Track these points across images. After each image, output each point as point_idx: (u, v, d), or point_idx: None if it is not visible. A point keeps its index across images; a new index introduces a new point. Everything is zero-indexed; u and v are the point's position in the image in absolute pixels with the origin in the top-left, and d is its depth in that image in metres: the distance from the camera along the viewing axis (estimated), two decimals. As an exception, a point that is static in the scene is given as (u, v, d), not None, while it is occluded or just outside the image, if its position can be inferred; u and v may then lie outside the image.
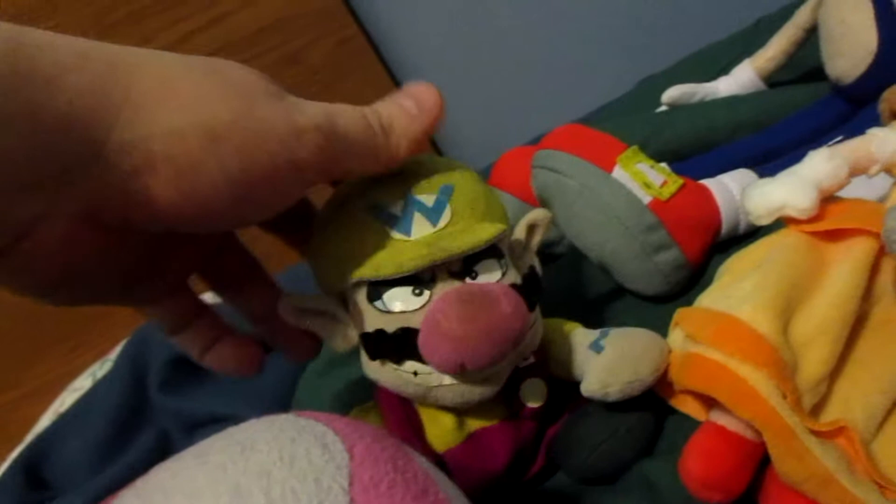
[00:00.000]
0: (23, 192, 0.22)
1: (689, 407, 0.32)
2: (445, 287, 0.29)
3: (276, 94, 0.26)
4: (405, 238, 0.29)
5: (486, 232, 0.30)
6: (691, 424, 0.31)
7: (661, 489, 0.31)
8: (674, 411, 0.34)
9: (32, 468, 0.59)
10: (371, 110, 0.29)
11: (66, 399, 0.72)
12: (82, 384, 0.71)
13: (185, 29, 0.86)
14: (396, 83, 1.11)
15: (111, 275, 0.27)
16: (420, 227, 0.30)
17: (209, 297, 0.73)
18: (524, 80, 1.05)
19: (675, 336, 0.32)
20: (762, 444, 0.28)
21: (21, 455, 0.60)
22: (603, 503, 0.33)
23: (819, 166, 0.31)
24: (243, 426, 0.22)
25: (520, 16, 1.00)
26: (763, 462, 0.29)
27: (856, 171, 0.32)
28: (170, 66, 0.25)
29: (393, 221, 0.30)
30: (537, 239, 0.34)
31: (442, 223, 0.30)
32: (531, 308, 0.31)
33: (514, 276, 0.31)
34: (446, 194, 0.30)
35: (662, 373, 0.31)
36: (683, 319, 0.31)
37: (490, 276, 0.30)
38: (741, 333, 0.28)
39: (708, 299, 0.31)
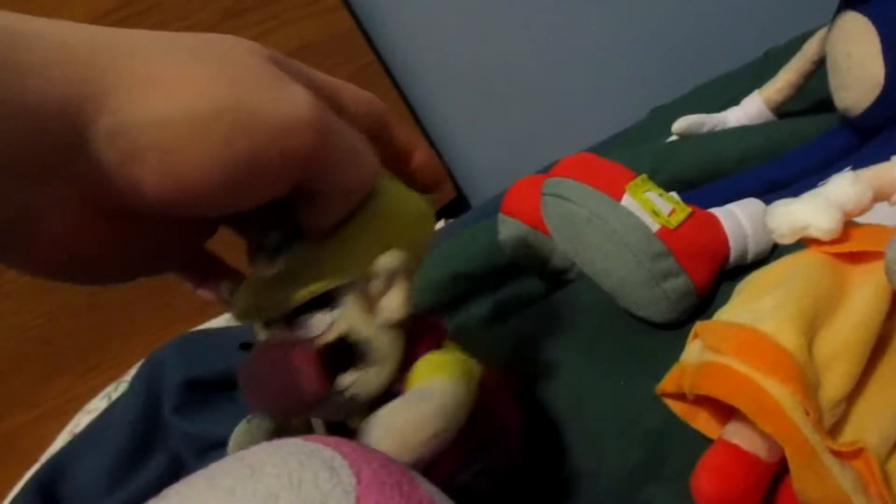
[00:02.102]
0: (11, 179, 0.22)
1: (699, 422, 0.32)
2: (269, 333, 0.30)
3: (270, 75, 0.26)
4: (252, 274, 0.30)
5: (306, 291, 0.29)
6: (697, 450, 0.31)
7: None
8: (681, 436, 0.34)
9: (47, 489, 0.60)
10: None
11: (81, 420, 0.72)
12: (97, 405, 0.72)
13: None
14: (411, 109, 1.12)
15: (122, 257, 0.27)
16: (262, 267, 0.30)
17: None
18: (537, 110, 1.06)
19: (693, 348, 0.32)
20: (775, 464, 0.28)
21: (36, 475, 0.61)
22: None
23: (843, 189, 0.31)
24: (252, 450, 0.22)
25: (533, 44, 1.01)
26: (772, 483, 0.29)
27: (879, 196, 0.32)
28: (156, 49, 0.24)
29: (257, 255, 0.30)
30: (399, 288, 0.30)
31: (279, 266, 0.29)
32: (349, 366, 0.29)
33: (344, 328, 0.29)
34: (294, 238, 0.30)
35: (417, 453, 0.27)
36: (704, 331, 0.31)
37: (313, 328, 0.30)
38: (766, 347, 0.28)
39: (728, 314, 0.31)
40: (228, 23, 0.90)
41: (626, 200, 0.40)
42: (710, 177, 0.51)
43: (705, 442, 0.33)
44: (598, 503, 0.35)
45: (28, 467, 0.68)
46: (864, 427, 0.29)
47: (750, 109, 0.54)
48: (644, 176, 0.42)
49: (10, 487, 0.66)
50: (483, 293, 0.57)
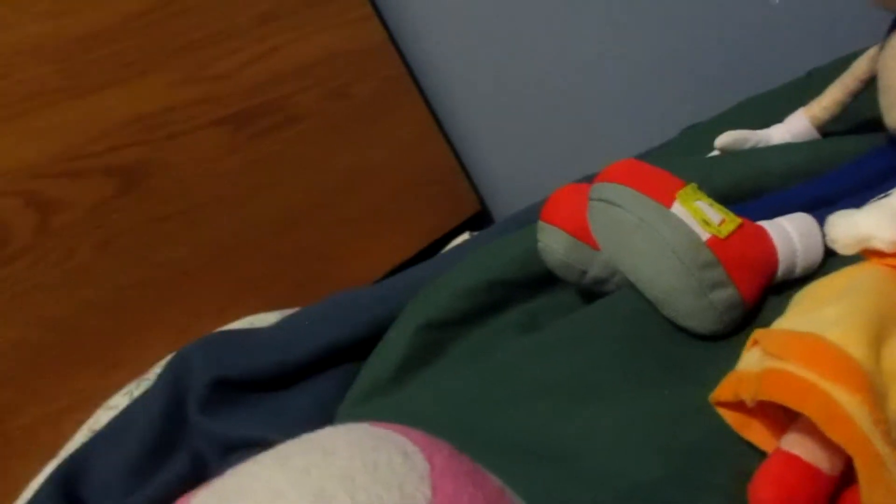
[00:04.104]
0: None
1: (752, 433, 0.31)
2: None
3: None
4: None
5: None
6: (738, 463, 0.30)
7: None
8: (721, 449, 0.33)
9: (67, 485, 0.59)
10: None
11: (101, 417, 0.72)
12: (118, 402, 0.72)
13: (241, 59, 0.89)
14: (438, 123, 1.13)
15: None
16: None
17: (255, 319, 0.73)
18: (565, 126, 1.06)
19: (750, 357, 0.31)
20: (835, 478, 0.28)
21: (56, 472, 0.60)
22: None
23: None
24: (321, 433, 0.22)
25: (563, 61, 1.01)
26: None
27: None
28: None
29: None
30: None
31: None
32: None
33: None
34: None
35: None
36: (765, 339, 0.30)
37: None
38: (833, 355, 0.27)
39: (788, 323, 0.31)
40: (264, 27, 0.90)
41: (677, 208, 0.40)
42: (753, 193, 0.51)
43: (746, 457, 0.32)
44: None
45: (47, 462, 0.67)
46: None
47: (794, 127, 0.54)
48: (694, 185, 0.41)
49: (29, 481, 0.66)
50: (518, 301, 0.56)
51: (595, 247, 0.47)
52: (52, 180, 0.75)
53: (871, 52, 0.49)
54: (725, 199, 0.50)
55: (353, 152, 0.99)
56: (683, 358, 0.41)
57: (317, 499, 0.19)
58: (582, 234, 0.48)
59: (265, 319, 0.75)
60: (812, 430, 0.28)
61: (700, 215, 0.40)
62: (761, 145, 0.54)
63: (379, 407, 0.52)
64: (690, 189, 0.41)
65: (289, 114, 0.93)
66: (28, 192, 0.74)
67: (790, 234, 0.41)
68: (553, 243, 0.49)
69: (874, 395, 0.27)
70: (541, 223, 0.50)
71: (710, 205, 0.41)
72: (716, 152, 0.55)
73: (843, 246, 0.32)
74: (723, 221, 0.40)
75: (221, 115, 0.88)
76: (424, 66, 1.11)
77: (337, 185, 0.97)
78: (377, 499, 0.19)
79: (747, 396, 0.30)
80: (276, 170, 0.91)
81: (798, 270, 0.41)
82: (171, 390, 0.61)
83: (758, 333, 0.31)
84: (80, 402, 0.74)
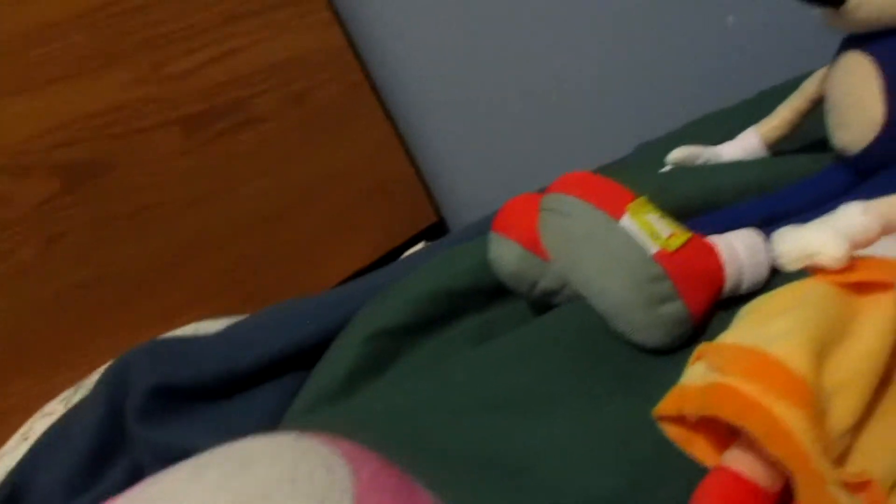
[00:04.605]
0: None
1: (696, 448, 0.31)
2: None
3: None
4: None
5: None
6: (688, 478, 0.30)
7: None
8: (672, 463, 0.33)
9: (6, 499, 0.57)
10: None
11: (36, 425, 0.69)
12: (54, 409, 0.69)
13: (198, 59, 0.87)
14: (397, 131, 1.12)
15: None
16: None
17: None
18: (523, 138, 1.06)
19: (695, 371, 0.31)
20: (775, 494, 0.27)
21: None
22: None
23: (854, 219, 0.31)
24: (243, 442, 0.21)
25: (522, 74, 1.02)
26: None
27: (887, 228, 0.32)
28: None
29: None
30: None
31: None
32: None
33: None
34: None
35: None
36: (710, 352, 0.30)
37: None
38: (777, 370, 0.27)
39: (733, 337, 0.31)
40: (225, 28, 0.89)
41: (626, 221, 0.40)
42: (704, 208, 0.51)
43: (698, 471, 0.32)
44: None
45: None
46: (871, 458, 0.28)
47: (746, 144, 0.54)
48: (645, 198, 0.41)
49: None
50: (472, 311, 0.55)
51: (546, 258, 0.47)
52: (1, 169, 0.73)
53: (821, 72, 0.50)
54: (677, 213, 0.50)
55: (310, 159, 0.98)
56: (633, 371, 0.40)
57: (231, 514, 0.18)
58: (533, 246, 0.47)
59: (211, 326, 0.73)
60: (753, 446, 0.27)
61: (649, 228, 0.40)
62: (713, 161, 0.54)
63: (326, 417, 0.51)
64: (641, 202, 0.41)
65: (245, 117, 0.92)
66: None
67: (738, 249, 0.41)
68: (504, 254, 0.49)
69: (816, 411, 0.26)
70: (492, 233, 0.50)
71: (660, 218, 0.41)
72: (669, 167, 0.55)
73: (788, 261, 0.32)
74: (672, 235, 0.40)
75: (175, 115, 0.86)
76: (385, 74, 1.11)
77: (293, 192, 0.96)
78: None
79: (690, 411, 0.29)
80: (230, 174, 0.90)
81: (745, 286, 0.41)
82: (110, 398, 0.59)
83: (702, 347, 0.31)
84: (14, 407, 0.71)
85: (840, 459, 0.28)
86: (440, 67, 1.07)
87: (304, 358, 0.59)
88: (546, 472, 0.36)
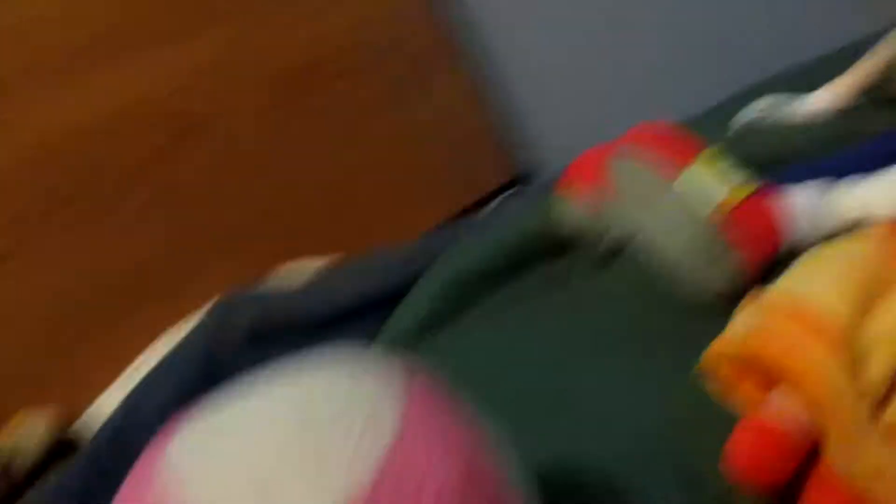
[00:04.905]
0: None
1: (739, 399, 0.32)
2: None
3: None
4: None
5: None
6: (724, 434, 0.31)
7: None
8: (707, 423, 0.33)
9: (121, 433, 0.62)
10: None
11: (147, 357, 0.76)
12: (164, 342, 0.76)
13: (292, 16, 0.91)
14: (482, 86, 1.13)
15: None
16: None
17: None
18: (612, 89, 1.06)
19: (741, 317, 0.32)
20: (808, 444, 0.28)
21: (110, 419, 0.63)
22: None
23: None
24: (310, 360, 0.24)
25: (614, 25, 1.01)
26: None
27: None
28: None
29: None
30: None
31: None
32: None
33: None
34: None
35: None
36: (756, 299, 0.31)
37: None
38: (817, 317, 0.28)
39: (782, 285, 0.31)
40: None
41: (694, 171, 0.40)
42: (780, 161, 0.51)
43: (736, 421, 0.33)
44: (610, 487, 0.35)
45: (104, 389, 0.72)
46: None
47: (827, 98, 0.53)
48: (714, 150, 0.42)
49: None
50: (540, 264, 0.57)
51: (612, 212, 0.48)
52: (113, 126, 0.79)
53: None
54: (751, 165, 0.50)
55: (394, 113, 1.01)
56: (685, 325, 0.41)
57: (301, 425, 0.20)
58: (600, 200, 0.48)
59: (301, 271, 0.78)
60: (787, 396, 0.28)
61: (714, 180, 0.40)
62: (795, 112, 0.53)
63: (403, 355, 0.54)
64: (710, 153, 0.41)
65: (331, 73, 0.95)
66: (90, 139, 0.78)
67: (802, 204, 0.41)
68: (572, 208, 0.50)
69: (852, 357, 0.27)
70: (561, 188, 0.51)
71: (729, 169, 0.41)
72: (749, 119, 0.55)
73: (842, 215, 0.32)
74: (738, 187, 0.40)
75: (267, 72, 0.90)
76: (469, 29, 1.11)
77: (377, 146, 0.99)
78: (349, 422, 0.20)
79: (733, 353, 0.30)
80: (318, 128, 0.94)
81: (807, 241, 0.41)
82: (210, 335, 0.64)
83: (750, 295, 0.32)
84: (139, 334, 0.78)
85: (878, 408, 0.29)
86: (527, 20, 1.07)
87: (386, 304, 0.63)
88: (592, 410, 0.38)
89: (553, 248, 0.56)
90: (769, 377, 0.30)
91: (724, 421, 0.33)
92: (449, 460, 0.20)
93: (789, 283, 0.31)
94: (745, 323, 0.31)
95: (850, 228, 0.34)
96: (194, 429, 0.22)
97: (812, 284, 0.29)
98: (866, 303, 0.29)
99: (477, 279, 0.57)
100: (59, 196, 0.77)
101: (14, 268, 0.75)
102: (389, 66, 1.01)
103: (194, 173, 0.85)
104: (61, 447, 0.68)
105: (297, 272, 0.77)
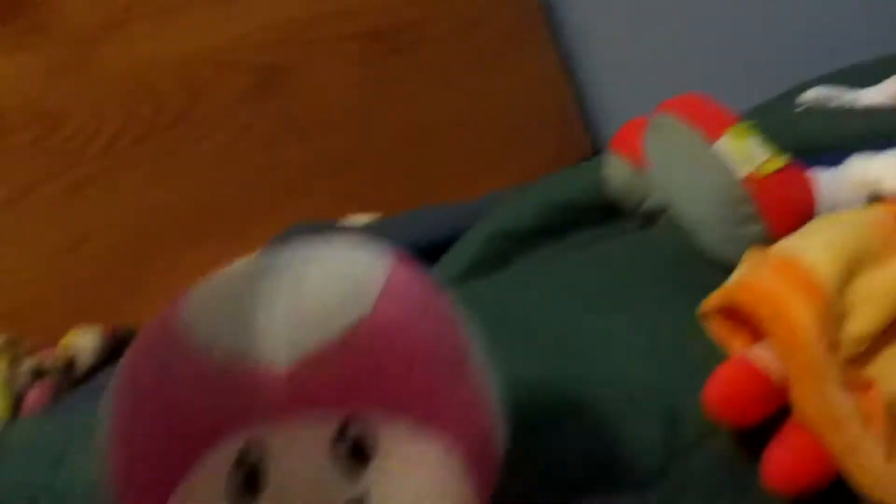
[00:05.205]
0: None
1: (734, 348, 0.34)
2: None
3: None
4: None
5: None
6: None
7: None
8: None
9: None
10: None
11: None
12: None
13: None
14: (564, 63, 1.14)
15: None
16: None
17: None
18: (694, 73, 1.05)
19: (737, 272, 0.34)
20: (783, 391, 0.30)
21: None
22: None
23: None
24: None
25: (701, 12, 1.01)
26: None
27: None
28: None
29: None
30: None
31: None
32: None
33: None
34: None
35: None
36: (752, 255, 0.33)
37: None
38: (800, 272, 0.29)
39: (783, 243, 0.33)
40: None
41: (724, 142, 0.42)
42: (828, 150, 0.51)
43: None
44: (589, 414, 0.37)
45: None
46: (885, 376, 0.30)
47: (887, 91, 0.53)
48: (749, 123, 0.43)
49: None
50: (584, 226, 0.59)
51: (652, 173, 0.49)
52: (201, 69, 0.85)
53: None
54: (797, 150, 0.50)
55: (475, 82, 1.03)
56: (706, 286, 0.43)
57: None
58: (642, 165, 0.50)
59: (363, 220, 0.82)
60: (770, 345, 0.30)
61: (745, 152, 0.41)
62: (849, 105, 0.53)
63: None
64: (743, 126, 0.42)
65: (419, 36, 0.98)
66: (181, 76, 0.84)
67: (835, 182, 0.42)
68: (615, 172, 0.52)
69: (828, 309, 0.29)
70: (607, 152, 0.53)
71: (761, 144, 0.42)
72: (803, 106, 0.55)
73: (854, 183, 0.33)
74: (767, 161, 0.41)
75: (357, 29, 0.94)
76: (560, 7, 1.13)
77: (455, 113, 1.02)
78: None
79: (719, 304, 0.32)
80: (398, 89, 0.97)
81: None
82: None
83: (749, 252, 0.34)
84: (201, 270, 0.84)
85: (856, 366, 0.30)
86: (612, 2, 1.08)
87: (434, 254, 0.66)
88: (598, 357, 0.40)
89: (600, 210, 0.58)
90: (757, 332, 0.32)
91: (712, 366, 0.35)
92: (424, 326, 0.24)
93: (787, 242, 0.33)
94: (737, 275, 0.33)
95: (866, 199, 0.34)
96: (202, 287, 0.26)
97: (804, 245, 0.31)
98: (855, 267, 0.30)
99: (521, 234, 0.60)
100: (146, 128, 0.84)
101: (94, 193, 0.82)
102: (475, 38, 1.03)
103: (275, 121, 0.90)
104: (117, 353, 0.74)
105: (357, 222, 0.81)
